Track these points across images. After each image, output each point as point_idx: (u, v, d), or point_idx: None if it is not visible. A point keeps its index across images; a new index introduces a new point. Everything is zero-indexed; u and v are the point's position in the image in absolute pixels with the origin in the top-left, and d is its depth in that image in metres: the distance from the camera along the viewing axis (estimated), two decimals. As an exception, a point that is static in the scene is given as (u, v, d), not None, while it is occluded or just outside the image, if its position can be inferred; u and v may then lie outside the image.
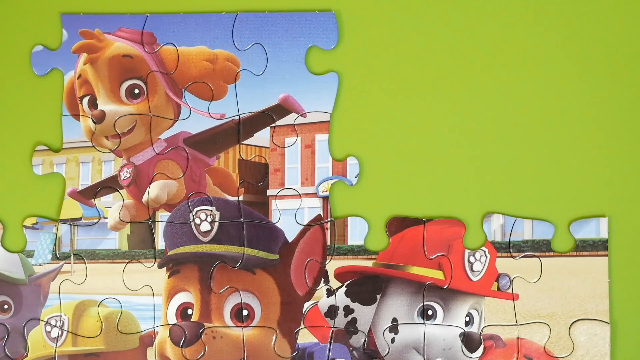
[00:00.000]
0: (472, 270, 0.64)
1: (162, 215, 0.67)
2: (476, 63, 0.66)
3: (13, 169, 0.67)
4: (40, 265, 0.67)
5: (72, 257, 0.67)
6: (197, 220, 0.65)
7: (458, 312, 0.64)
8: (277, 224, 0.65)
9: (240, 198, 0.66)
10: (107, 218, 0.67)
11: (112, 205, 0.67)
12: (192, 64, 0.67)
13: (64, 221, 0.67)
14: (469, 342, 0.64)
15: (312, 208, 0.66)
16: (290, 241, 0.65)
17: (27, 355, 0.66)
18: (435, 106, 0.65)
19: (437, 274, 0.64)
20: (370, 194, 0.65)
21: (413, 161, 0.65)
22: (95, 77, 0.67)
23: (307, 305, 0.65)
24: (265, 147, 0.67)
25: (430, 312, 0.64)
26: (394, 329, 0.64)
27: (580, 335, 0.64)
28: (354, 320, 0.64)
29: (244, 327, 0.64)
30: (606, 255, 0.64)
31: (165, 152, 0.67)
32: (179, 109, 0.67)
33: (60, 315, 0.66)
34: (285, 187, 0.67)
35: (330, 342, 0.64)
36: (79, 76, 0.67)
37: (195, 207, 0.65)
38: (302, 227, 0.65)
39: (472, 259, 0.64)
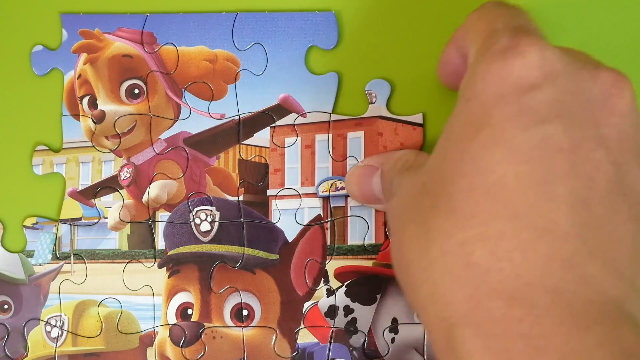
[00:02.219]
0: (472, 270, 0.64)
1: (162, 215, 0.67)
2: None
3: (13, 169, 0.67)
4: (40, 265, 0.67)
5: (72, 257, 0.67)
6: (197, 220, 0.65)
7: (458, 312, 0.64)
8: (277, 224, 0.65)
9: (240, 198, 0.66)
10: (107, 218, 0.67)
11: (112, 205, 0.67)
12: (192, 64, 0.67)
13: (64, 221, 0.67)
14: (469, 342, 0.64)
15: (312, 208, 0.66)
16: (290, 241, 0.65)
17: (27, 355, 0.66)
18: (435, 106, 0.65)
19: (437, 274, 0.64)
20: (370, 194, 0.65)
21: (413, 161, 0.65)
22: (95, 77, 0.67)
23: (307, 305, 0.65)
24: (265, 147, 0.67)
25: (430, 312, 0.64)
26: (394, 329, 0.64)
27: (580, 335, 0.63)
28: (354, 320, 0.64)
29: (244, 327, 0.64)
30: (606, 255, 0.64)
31: (165, 152, 0.67)
32: (179, 109, 0.67)
33: (60, 315, 0.66)
34: (285, 187, 0.67)
35: (330, 342, 0.64)
36: (79, 76, 0.67)
37: (195, 207, 0.65)
38: (302, 227, 0.65)
39: (472, 259, 0.64)
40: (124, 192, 0.67)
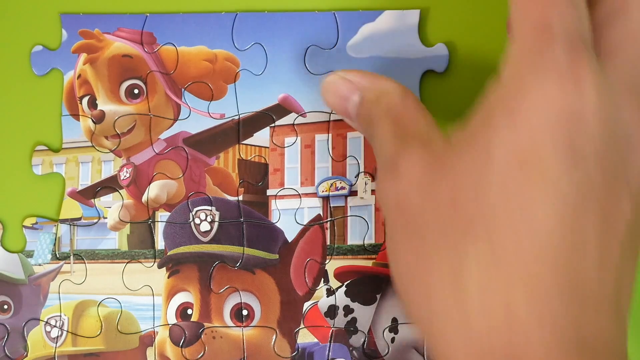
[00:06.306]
0: (472, 270, 0.64)
1: (162, 215, 0.67)
2: (474, 63, 0.66)
3: (13, 169, 0.67)
4: (40, 265, 0.67)
5: (71, 257, 0.67)
6: (197, 220, 0.65)
7: (458, 312, 0.64)
8: (277, 224, 0.65)
9: (240, 198, 0.66)
10: (107, 218, 0.67)
11: (112, 205, 0.67)
12: (192, 64, 0.67)
13: (64, 221, 0.67)
14: (469, 342, 0.64)
15: (312, 208, 0.66)
16: (290, 241, 0.65)
17: (27, 355, 0.66)
18: (434, 106, 0.65)
19: (437, 274, 0.64)
20: (370, 194, 0.65)
21: (413, 161, 0.65)
22: (94, 77, 0.67)
23: (307, 305, 0.65)
24: (265, 147, 0.67)
25: (430, 312, 0.64)
26: (394, 328, 0.64)
27: (580, 335, 0.63)
28: (354, 320, 0.64)
29: (244, 327, 0.64)
30: (606, 255, 0.64)
31: (165, 152, 0.67)
32: (178, 109, 0.67)
33: (60, 315, 0.66)
34: (285, 187, 0.67)
35: (330, 342, 0.64)
36: (79, 76, 0.67)
37: (195, 207, 0.65)
38: (302, 227, 0.65)
39: (472, 259, 0.64)
40: (123, 192, 0.67)
